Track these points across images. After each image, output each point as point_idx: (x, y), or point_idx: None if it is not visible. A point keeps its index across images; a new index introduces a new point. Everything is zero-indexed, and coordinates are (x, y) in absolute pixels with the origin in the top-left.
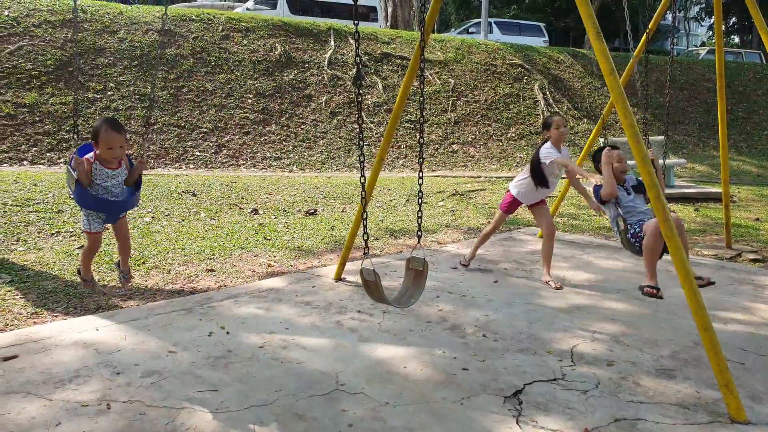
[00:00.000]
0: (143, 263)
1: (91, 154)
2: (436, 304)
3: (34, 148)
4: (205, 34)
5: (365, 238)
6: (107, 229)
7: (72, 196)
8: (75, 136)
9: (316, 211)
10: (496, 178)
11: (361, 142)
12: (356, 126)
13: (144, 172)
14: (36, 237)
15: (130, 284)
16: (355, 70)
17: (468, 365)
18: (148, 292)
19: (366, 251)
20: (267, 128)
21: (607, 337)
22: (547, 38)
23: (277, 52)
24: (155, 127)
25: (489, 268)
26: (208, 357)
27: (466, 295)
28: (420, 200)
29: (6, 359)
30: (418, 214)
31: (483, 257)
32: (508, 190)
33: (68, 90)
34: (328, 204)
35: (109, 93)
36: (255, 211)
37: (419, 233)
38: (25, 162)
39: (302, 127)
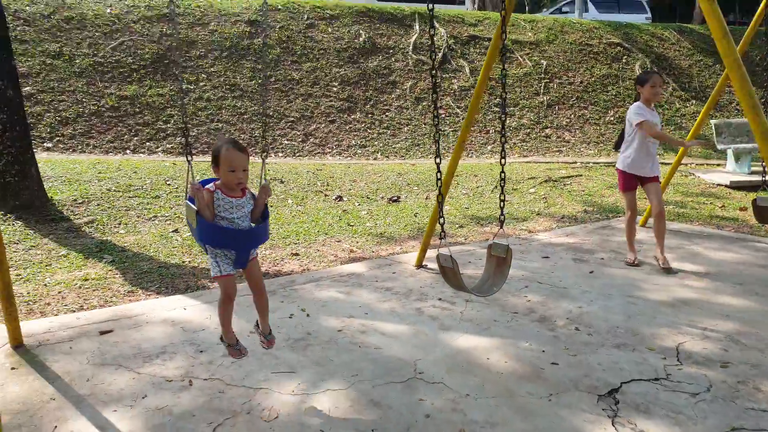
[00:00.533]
0: None
1: (211, 184)
2: (524, 295)
3: (135, 138)
4: (291, 23)
5: (441, 222)
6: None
7: (194, 235)
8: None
9: (399, 198)
10: (593, 163)
11: (436, 126)
12: (441, 111)
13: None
14: (135, 221)
15: (273, 346)
16: (439, 55)
17: (558, 359)
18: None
19: (442, 236)
20: (352, 116)
21: (720, 335)
22: (649, 14)
23: (361, 39)
24: (245, 116)
25: (584, 258)
26: (288, 339)
27: (558, 285)
28: (502, 183)
29: (102, 333)
30: (500, 197)
31: (578, 246)
32: (617, 169)
33: (164, 82)
34: (412, 191)
35: (202, 84)
36: (339, 198)
37: (502, 218)
38: (127, 151)
39: (387, 114)
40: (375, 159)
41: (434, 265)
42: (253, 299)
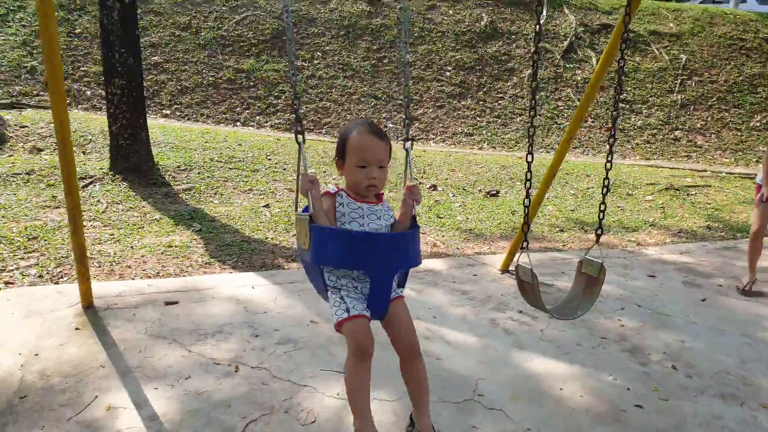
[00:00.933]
0: None
1: (333, 185)
2: (618, 318)
3: (247, 111)
4: (412, 4)
5: (525, 230)
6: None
7: (304, 260)
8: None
9: (498, 192)
10: (727, 174)
11: (532, 119)
12: (559, 103)
13: None
14: (231, 192)
15: None
16: (564, 43)
17: (644, 402)
18: None
19: (524, 245)
20: (462, 102)
21: None
22: None
23: (482, 23)
24: (354, 97)
25: (697, 281)
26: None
27: (660, 312)
28: (605, 189)
29: (168, 303)
30: (600, 207)
31: (693, 267)
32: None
33: (281, 58)
34: (513, 186)
35: (315, 62)
36: (433, 187)
37: (599, 231)
38: (237, 123)
39: (500, 102)
40: (480, 149)
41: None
42: (401, 368)
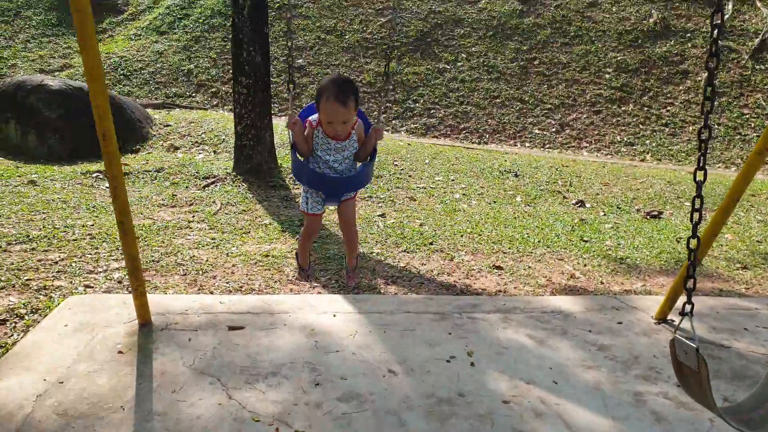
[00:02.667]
0: (430, 244)
1: (316, 116)
2: None
3: (383, 115)
4: (569, 2)
5: (689, 273)
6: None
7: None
8: (291, 89)
9: (661, 213)
10: None
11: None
12: (745, 111)
13: (381, 140)
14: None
15: (354, 283)
16: (756, 41)
17: None
18: (417, 278)
19: (687, 308)
20: (623, 108)
21: None
22: None
23: (651, 20)
24: (497, 100)
25: None
26: (430, 396)
27: None
28: None
29: (231, 328)
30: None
31: None
32: None
33: (422, 60)
34: (681, 207)
35: (459, 64)
36: (581, 203)
37: None
38: None
39: (668, 108)
40: (642, 160)
41: (686, 323)
42: (343, 235)
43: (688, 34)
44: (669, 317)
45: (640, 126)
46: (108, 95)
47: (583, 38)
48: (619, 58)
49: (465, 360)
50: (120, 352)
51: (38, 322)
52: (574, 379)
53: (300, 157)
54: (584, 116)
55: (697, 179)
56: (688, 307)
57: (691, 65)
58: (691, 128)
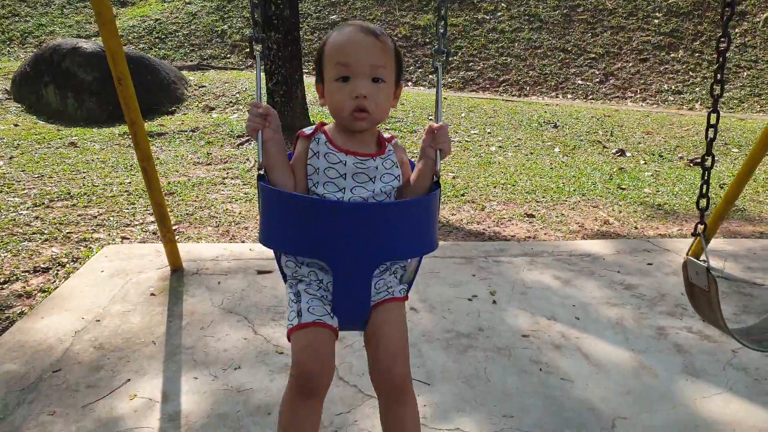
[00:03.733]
0: (462, 195)
1: (310, 128)
2: None
3: (420, 70)
4: None
5: (702, 206)
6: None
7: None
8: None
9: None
10: None
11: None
12: None
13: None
14: None
15: None
16: None
17: None
18: (446, 227)
19: (698, 228)
20: (671, 54)
21: None
22: None
23: None
24: (539, 51)
25: None
26: (449, 330)
27: None
28: None
29: (260, 272)
30: None
31: None
32: None
33: (461, 11)
34: (728, 153)
35: (499, 14)
36: (621, 152)
37: None
38: (409, 83)
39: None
40: (691, 109)
41: (718, 263)
42: (379, 402)
43: None
44: (701, 258)
45: (690, 73)
46: (120, 39)
47: None
48: (670, 2)
49: (487, 299)
50: (152, 294)
51: (78, 269)
52: (596, 315)
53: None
54: (630, 65)
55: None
56: (700, 228)
57: (749, 5)
58: (746, 73)
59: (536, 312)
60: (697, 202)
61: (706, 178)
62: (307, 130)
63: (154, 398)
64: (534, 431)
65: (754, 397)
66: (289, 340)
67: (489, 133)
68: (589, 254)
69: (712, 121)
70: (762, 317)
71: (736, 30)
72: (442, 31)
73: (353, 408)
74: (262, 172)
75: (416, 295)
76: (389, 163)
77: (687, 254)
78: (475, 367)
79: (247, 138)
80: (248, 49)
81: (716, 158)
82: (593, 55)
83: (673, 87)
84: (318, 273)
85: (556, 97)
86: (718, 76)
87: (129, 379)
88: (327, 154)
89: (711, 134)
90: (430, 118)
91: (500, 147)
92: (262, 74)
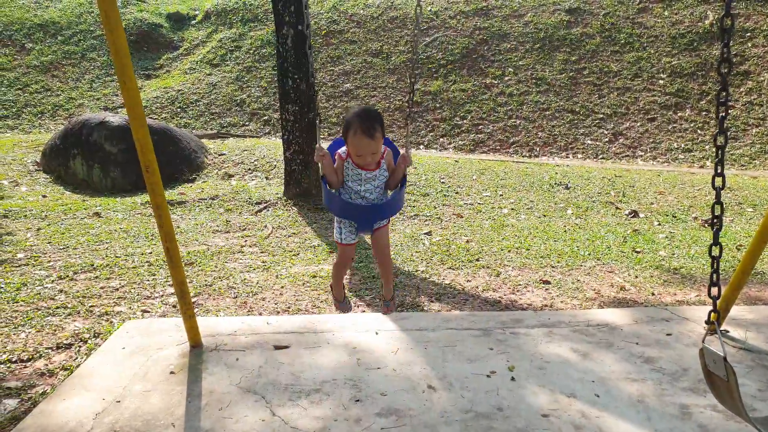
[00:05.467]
0: (476, 260)
1: (344, 148)
2: None
3: (431, 133)
4: (618, 9)
5: (714, 278)
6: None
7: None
8: (318, 122)
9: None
10: None
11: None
12: None
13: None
14: (396, 218)
15: (390, 314)
16: None
17: None
18: (462, 295)
19: (710, 316)
20: (678, 114)
21: None
22: None
23: (707, 22)
24: (547, 113)
25: None
26: (468, 411)
27: None
28: None
29: (277, 348)
30: None
31: None
32: None
33: (469, 77)
34: (743, 213)
35: (507, 78)
36: (634, 214)
37: None
38: (421, 146)
39: (728, 111)
40: (701, 167)
41: (738, 334)
42: (378, 266)
43: (748, 34)
44: (724, 328)
45: (698, 131)
46: (148, 130)
47: (634, 45)
48: (673, 63)
49: (505, 375)
50: (172, 372)
51: (99, 345)
52: (616, 391)
53: (331, 189)
54: (638, 124)
55: (716, 186)
56: (713, 316)
57: (752, 65)
58: (754, 131)
59: (555, 389)
60: (709, 290)
61: (715, 267)
62: (343, 153)
63: None
64: None
65: None
66: (336, 242)
67: (501, 195)
68: (607, 324)
69: (717, 211)
70: None
71: (741, 89)
72: (411, 90)
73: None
74: (322, 178)
75: (433, 370)
76: (382, 170)
77: (703, 342)
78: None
79: (264, 205)
80: (266, 117)
81: (731, 219)
82: (601, 116)
83: (682, 145)
84: (349, 221)
85: (566, 158)
86: (719, 139)
87: None
88: (353, 168)
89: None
90: (442, 180)
91: (513, 209)
92: (320, 131)
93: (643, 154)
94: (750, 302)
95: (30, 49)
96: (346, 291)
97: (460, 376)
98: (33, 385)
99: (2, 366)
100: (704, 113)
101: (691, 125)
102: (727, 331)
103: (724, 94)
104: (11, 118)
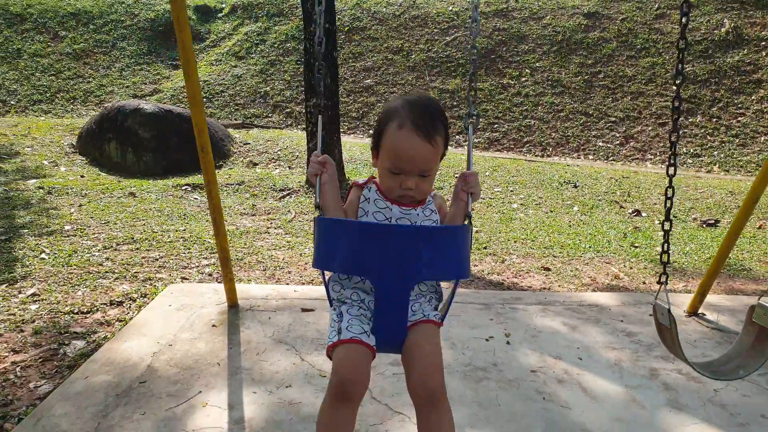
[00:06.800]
0: (484, 248)
1: (362, 179)
2: None
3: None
4: (636, 14)
5: (665, 260)
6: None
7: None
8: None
9: (718, 222)
10: None
11: (675, 134)
12: None
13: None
14: None
15: None
16: None
17: None
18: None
19: (662, 278)
20: (690, 119)
21: None
22: None
23: (723, 29)
24: (561, 114)
25: None
26: (468, 365)
27: None
28: None
29: (304, 310)
30: None
31: None
32: None
33: (487, 77)
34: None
35: (523, 79)
36: (637, 213)
37: None
38: None
39: (739, 119)
40: (709, 171)
41: (713, 317)
42: (417, 415)
43: (763, 42)
44: (700, 311)
45: (708, 137)
46: (205, 116)
47: (649, 50)
48: (687, 70)
49: (502, 339)
50: (214, 325)
51: (147, 303)
52: (597, 356)
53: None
54: (649, 128)
55: (669, 173)
56: (663, 278)
57: (765, 74)
58: (763, 138)
59: (544, 352)
60: (661, 257)
61: (666, 238)
62: (361, 181)
63: (221, 406)
64: None
65: (726, 428)
66: (329, 356)
67: (512, 191)
68: (597, 305)
69: (669, 194)
70: (721, 355)
71: (753, 97)
72: (472, 98)
73: (385, 421)
74: (317, 213)
75: (444, 331)
76: (428, 211)
77: (656, 299)
78: (487, 394)
79: (287, 192)
80: (288, 110)
81: (728, 221)
82: (614, 119)
83: (691, 150)
84: (360, 293)
85: (578, 158)
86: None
87: (200, 391)
88: (376, 201)
89: (669, 195)
90: (456, 174)
91: (522, 204)
92: (321, 131)
93: (652, 157)
94: (732, 293)
95: (63, 37)
96: None
97: (463, 338)
98: (95, 332)
99: (67, 316)
100: (715, 119)
101: (702, 131)
102: (704, 314)
103: (677, 103)
104: (45, 103)
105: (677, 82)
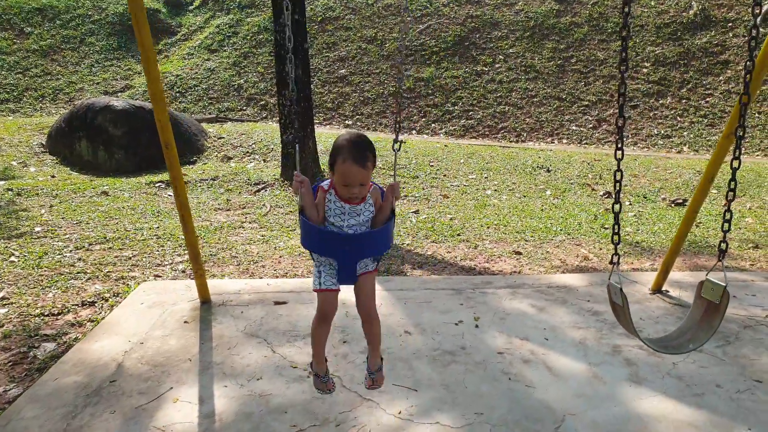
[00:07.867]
0: (457, 235)
1: (327, 181)
2: None
3: (423, 119)
4: None
5: (615, 241)
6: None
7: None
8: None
9: (686, 201)
10: None
11: (621, 109)
12: None
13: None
14: None
15: (377, 387)
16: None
17: None
18: (441, 263)
19: (613, 258)
20: (660, 101)
21: None
22: None
23: (692, 12)
24: (535, 99)
25: None
26: (437, 349)
27: None
28: (731, 197)
29: (276, 303)
30: (724, 215)
31: None
32: None
33: (461, 64)
34: (709, 195)
35: (497, 65)
36: (608, 194)
37: (723, 245)
38: (413, 131)
39: (707, 99)
40: (679, 152)
41: (679, 293)
42: (362, 326)
43: (729, 24)
44: (663, 288)
45: (678, 118)
46: (168, 114)
47: (620, 34)
48: (657, 52)
49: (471, 323)
50: (186, 321)
51: (120, 302)
52: (563, 336)
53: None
54: None
55: (617, 157)
56: (615, 258)
57: (732, 55)
58: (729, 119)
59: (512, 334)
60: (612, 238)
61: (616, 220)
62: (325, 186)
63: (192, 401)
64: (499, 427)
65: (683, 398)
66: (314, 291)
67: (486, 177)
68: (565, 286)
69: (618, 177)
70: (674, 330)
71: (720, 77)
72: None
73: (354, 408)
74: (299, 212)
75: (410, 320)
76: (368, 205)
77: (609, 279)
78: (455, 377)
79: (262, 186)
80: (262, 102)
81: (695, 198)
82: (586, 103)
83: (662, 131)
84: (331, 261)
85: (552, 143)
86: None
87: (171, 387)
88: (335, 201)
89: (618, 177)
90: (431, 164)
91: (495, 190)
92: (298, 157)
93: (624, 140)
94: (697, 269)
95: (29, 34)
96: (328, 364)
97: (433, 324)
98: (66, 333)
99: (37, 318)
100: (684, 101)
101: (672, 112)
102: (668, 291)
103: (624, 88)
104: (12, 102)
105: (622, 68)
